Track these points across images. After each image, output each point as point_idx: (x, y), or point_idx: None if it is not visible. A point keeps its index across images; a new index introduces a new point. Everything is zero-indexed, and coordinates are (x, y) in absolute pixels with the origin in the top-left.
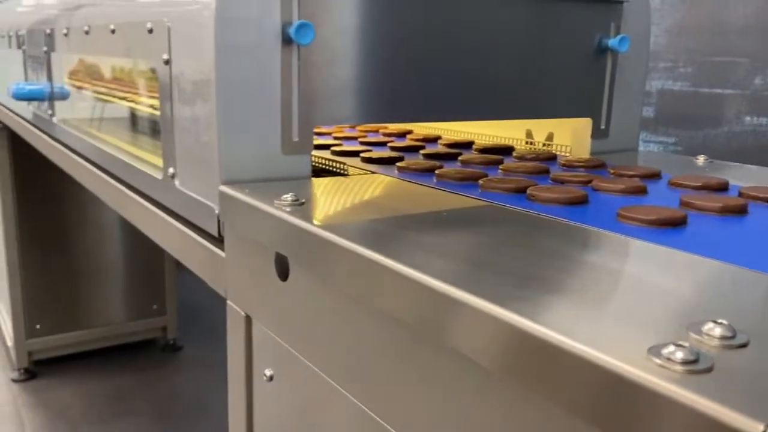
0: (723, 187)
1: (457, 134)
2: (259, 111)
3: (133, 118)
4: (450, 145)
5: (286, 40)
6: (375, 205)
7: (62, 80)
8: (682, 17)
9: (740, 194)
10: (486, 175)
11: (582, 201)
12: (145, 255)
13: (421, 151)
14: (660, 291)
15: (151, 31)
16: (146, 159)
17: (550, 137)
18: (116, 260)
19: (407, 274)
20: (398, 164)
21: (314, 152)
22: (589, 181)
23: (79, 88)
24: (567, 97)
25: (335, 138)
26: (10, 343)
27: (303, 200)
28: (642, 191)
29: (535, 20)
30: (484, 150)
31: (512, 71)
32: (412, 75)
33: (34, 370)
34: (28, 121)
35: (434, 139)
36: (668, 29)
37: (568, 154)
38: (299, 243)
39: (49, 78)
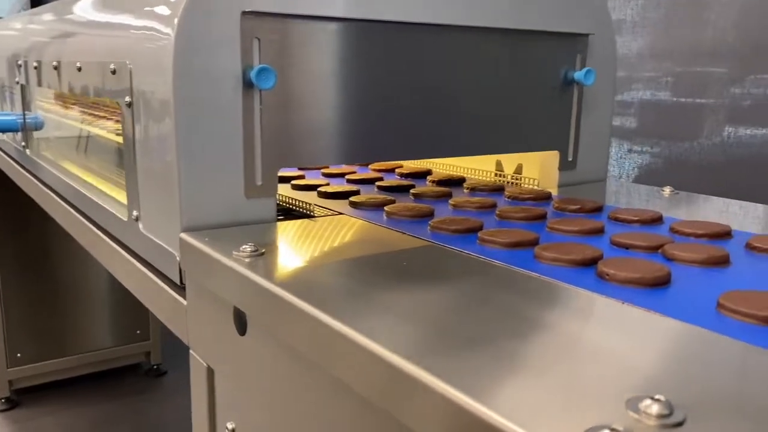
0: None
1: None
2: (222, 155)
3: (107, 149)
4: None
5: (248, 84)
6: (338, 256)
7: (36, 110)
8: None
9: None
10: (537, 239)
11: (664, 281)
12: None
13: (451, 202)
14: (614, 359)
15: (114, 72)
16: (115, 197)
17: (518, 169)
18: (98, 286)
19: (359, 342)
20: (388, 208)
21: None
22: (658, 247)
23: (51, 114)
24: (535, 131)
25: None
26: None
27: (263, 250)
28: (724, 261)
29: (502, 56)
30: (516, 199)
31: (480, 108)
32: (379, 116)
33: (15, 399)
34: (2, 150)
35: (458, 182)
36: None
37: (619, 209)
38: (256, 299)
39: (23, 108)
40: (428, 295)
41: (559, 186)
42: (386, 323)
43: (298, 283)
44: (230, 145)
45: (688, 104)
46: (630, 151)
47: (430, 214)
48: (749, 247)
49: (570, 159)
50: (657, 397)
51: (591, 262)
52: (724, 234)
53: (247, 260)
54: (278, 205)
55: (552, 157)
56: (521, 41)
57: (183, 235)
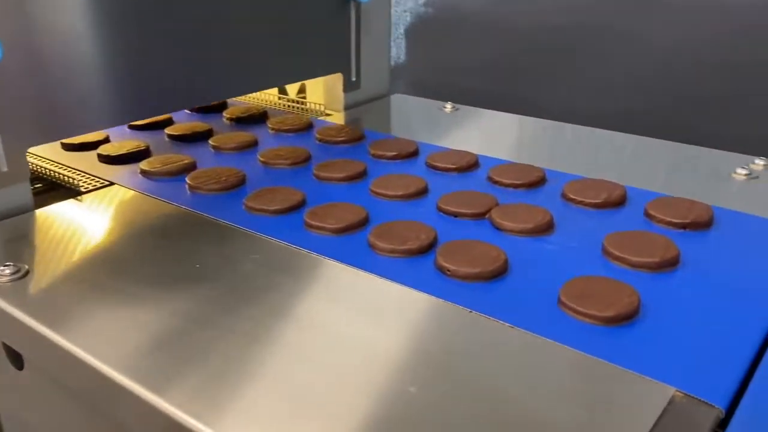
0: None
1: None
2: None
3: None
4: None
5: None
6: (108, 256)
7: None
8: None
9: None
10: (367, 218)
11: (503, 271)
12: None
13: (260, 159)
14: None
15: None
16: None
17: (302, 89)
18: None
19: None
20: (191, 181)
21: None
22: (485, 213)
23: None
24: (316, 56)
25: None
26: None
27: (26, 268)
28: (550, 227)
29: None
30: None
31: (257, 38)
32: (145, 65)
33: None
34: None
35: (258, 119)
36: None
37: (434, 153)
38: (27, 339)
39: None
40: (219, 329)
41: (345, 108)
42: (159, 366)
43: (70, 314)
44: None
45: None
46: None
47: (242, 182)
48: (565, 199)
49: (354, 79)
50: None
51: (429, 248)
52: (539, 181)
53: (9, 285)
54: (37, 175)
55: (335, 79)
56: None
57: None
